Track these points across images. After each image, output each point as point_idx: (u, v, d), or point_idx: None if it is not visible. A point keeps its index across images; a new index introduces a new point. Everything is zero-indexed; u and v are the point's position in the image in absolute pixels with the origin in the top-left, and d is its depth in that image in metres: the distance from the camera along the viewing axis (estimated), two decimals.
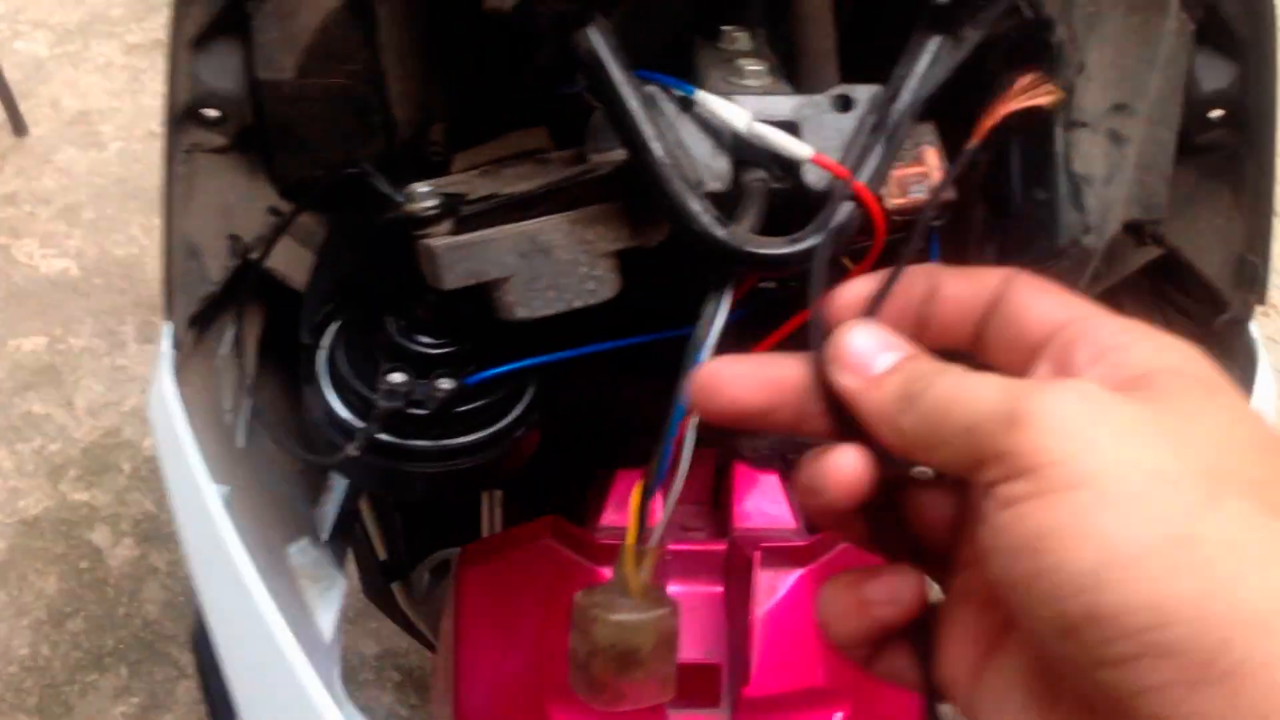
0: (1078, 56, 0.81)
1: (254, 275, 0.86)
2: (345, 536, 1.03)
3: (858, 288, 0.53)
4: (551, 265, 0.75)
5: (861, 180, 0.68)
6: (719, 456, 1.01)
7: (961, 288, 0.51)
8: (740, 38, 0.80)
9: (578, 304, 0.76)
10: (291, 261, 0.91)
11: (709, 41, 0.81)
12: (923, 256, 0.82)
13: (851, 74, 0.75)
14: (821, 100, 0.70)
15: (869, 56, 0.73)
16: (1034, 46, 0.78)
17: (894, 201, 0.75)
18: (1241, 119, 0.92)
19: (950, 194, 0.76)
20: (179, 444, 0.81)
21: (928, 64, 0.68)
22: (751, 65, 0.74)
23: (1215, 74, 0.90)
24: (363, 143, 0.86)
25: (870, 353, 0.48)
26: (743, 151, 0.70)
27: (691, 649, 0.93)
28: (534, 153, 0.85)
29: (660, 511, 0.71)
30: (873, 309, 0.52)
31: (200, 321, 0.87)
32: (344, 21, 0.80)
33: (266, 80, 0.82)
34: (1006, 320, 0.49)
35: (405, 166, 0.85)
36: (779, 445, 0.99)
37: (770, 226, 0.72)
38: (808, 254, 0.67)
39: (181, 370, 0.86)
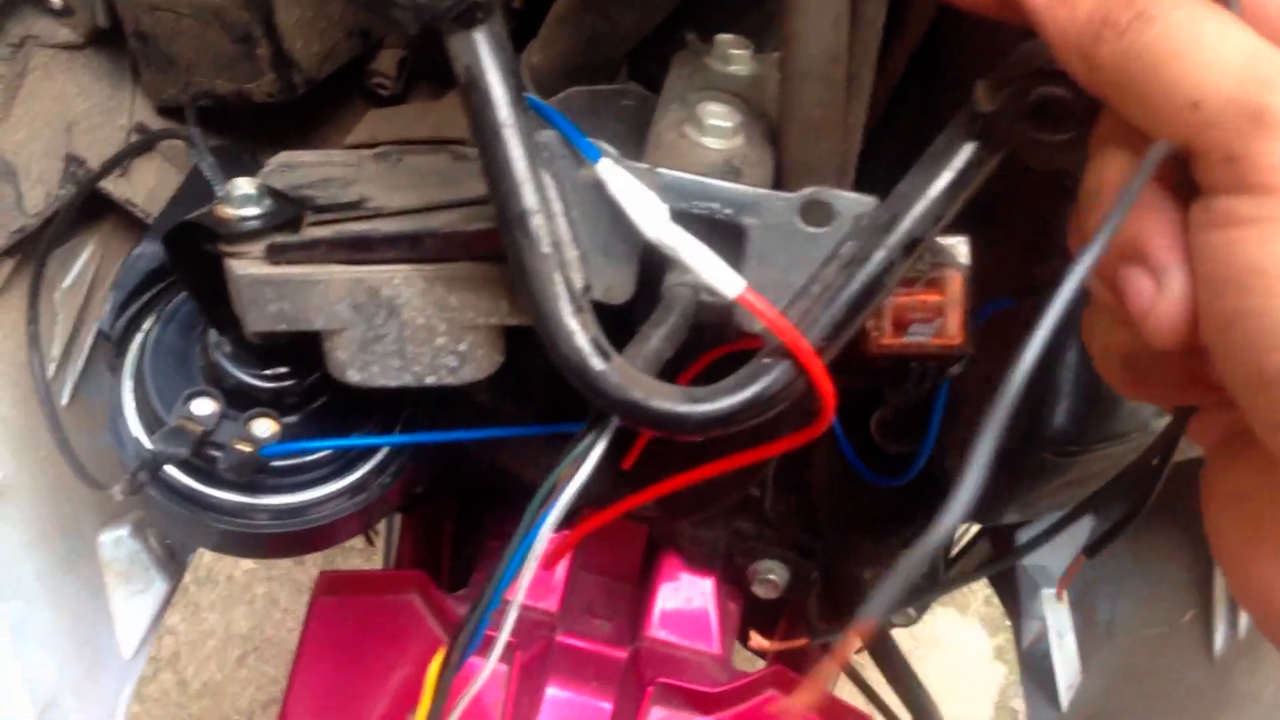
0: None
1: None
2: None
3: None
4: (397, 328, 0.54)
5: (812, 337, 0.46)
6: (653, 534, 0.81)
7: None
8: (736, 56, 0.57)
9: (430, 381, 0.56)
10: (163, 192, 0.72)
11: (694, 52, 0.58)
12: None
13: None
14: (789, 201, 0.48)
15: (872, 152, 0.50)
16: None
17: (885, 342, 0.53)
18: None
19: (966, 345, 0.53)
20: None
21: (949, 184, 0.45)
22: (718, 110, 0.52)
23: None
24: (248, 75, 0.65)
25: None
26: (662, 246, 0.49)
27: None
28: (454, 142, 0.64)
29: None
30: None
31: (16, 254, 0.68)
32: None
33: None
34: None
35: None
36: (724, 541, 0.79)
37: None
38: (711, 420, 0.46)
39: None
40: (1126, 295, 0.35)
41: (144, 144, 0.67)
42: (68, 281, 0.73)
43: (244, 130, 0.72)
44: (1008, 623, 2.28)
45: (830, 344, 0.46)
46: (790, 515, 0.78)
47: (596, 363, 0.46)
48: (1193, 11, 0.32)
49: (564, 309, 0.46)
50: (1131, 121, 0.34)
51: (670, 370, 0.49)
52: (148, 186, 0.71)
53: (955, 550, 0.89)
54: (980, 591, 2.36)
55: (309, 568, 2.20)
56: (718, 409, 0.46)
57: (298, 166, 0.60)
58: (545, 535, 0.49)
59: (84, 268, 0.74)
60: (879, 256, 0.46)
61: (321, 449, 0.61)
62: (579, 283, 0.47)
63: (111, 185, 0.70)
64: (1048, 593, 0.83)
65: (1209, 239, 0.32)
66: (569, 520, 0.50)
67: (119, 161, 0.67)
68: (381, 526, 1.00)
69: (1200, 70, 0.32)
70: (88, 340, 0.74)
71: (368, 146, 0.64)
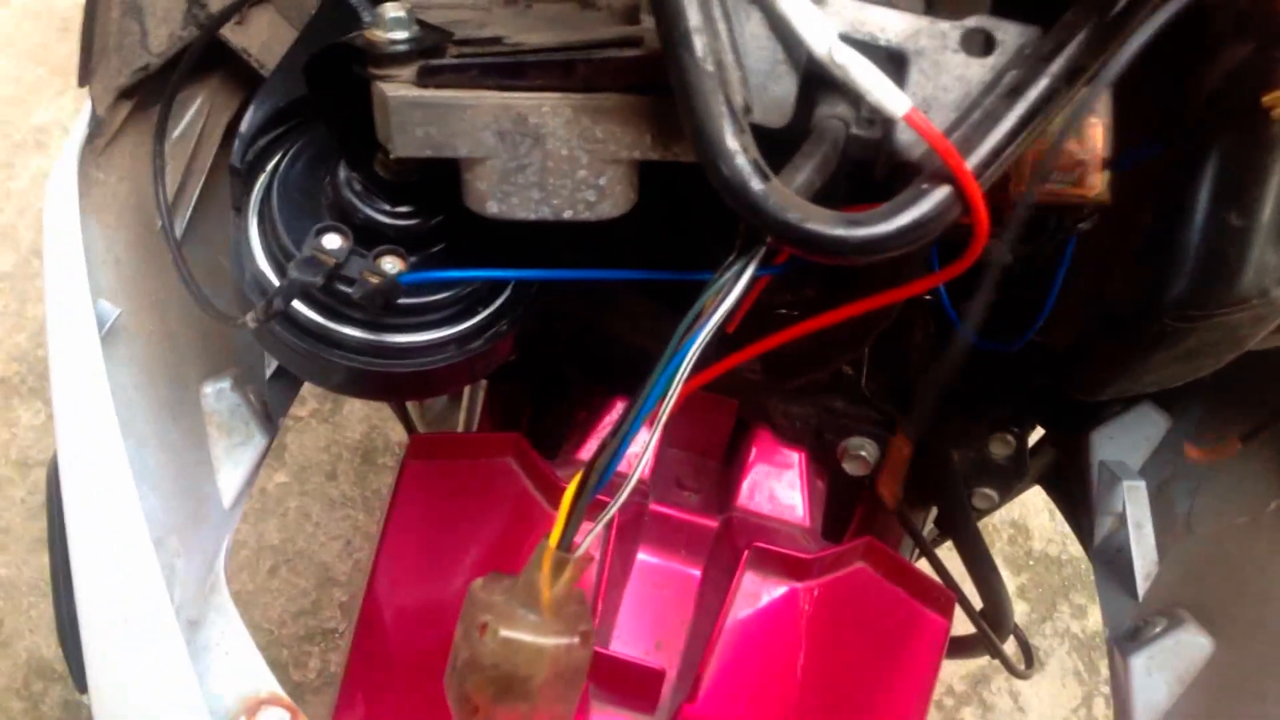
0: None
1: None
2: (298, 379, 0.86)
3: None
4: (541, 158, 0.55)
5: (971, 162, 0.46)
6: (743, 410, 0.82)
7: None
8: None
9: (567, 215, 0.56)
10: (277, 45, 0.72)
11: None
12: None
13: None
14: (951, 31, 0.48)
15: None
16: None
17: (1023, 189, 0.54)
18: None
19: (1104, 195, 0.54)
20: (63, 245, 0.65)
21: (1119, 11, 0.45)
22: None
23: None
24: None
25: None
26: (820, 76, 0.49)
27: (639, 639, 0.76)
28: None
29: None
30: None
31: (134, 96, 0.69)
32: None
33: None
34: None
35: None
36: (815, 417, 0.80)
37: (849, 185, 0.52)
38: (869, 244, 0.47)
39: (102, 155, 0.69)
40: None
41: None
42: (178, 132, 0.74)
43: None
44: (1031, 562, 2.30)
45: (988, 171, 0.47)
46: (883, 391, 0.79)
47: (756, 183, 0.47)
48: None
49: (726, 128, 0.47)
50: None
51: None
52: (261, 38, 0.71)
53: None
54: (1003, 531, 2.37)
55: (340, 483, 2.22)
56: (877, 232, 0.47)
57: (429, 8, 0.61)
58: (690, 359, 0.50)
59: (193, 119, 0.74)
60: (1041, 85, 0.46)
61: (460, 279, 0.62)
62: (741, 103, 0.48)
63: (229, 33, 0.70)
64: (1128, 484, 0.84)
65: None
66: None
67: (239, 7, 0.67)
68: (464, 403, 1.01)
69: None
70: (195, 191, 0.75)
71: None
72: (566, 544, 0.54)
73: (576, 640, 0.55)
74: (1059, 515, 2.31)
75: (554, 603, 0.55)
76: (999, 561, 2.42)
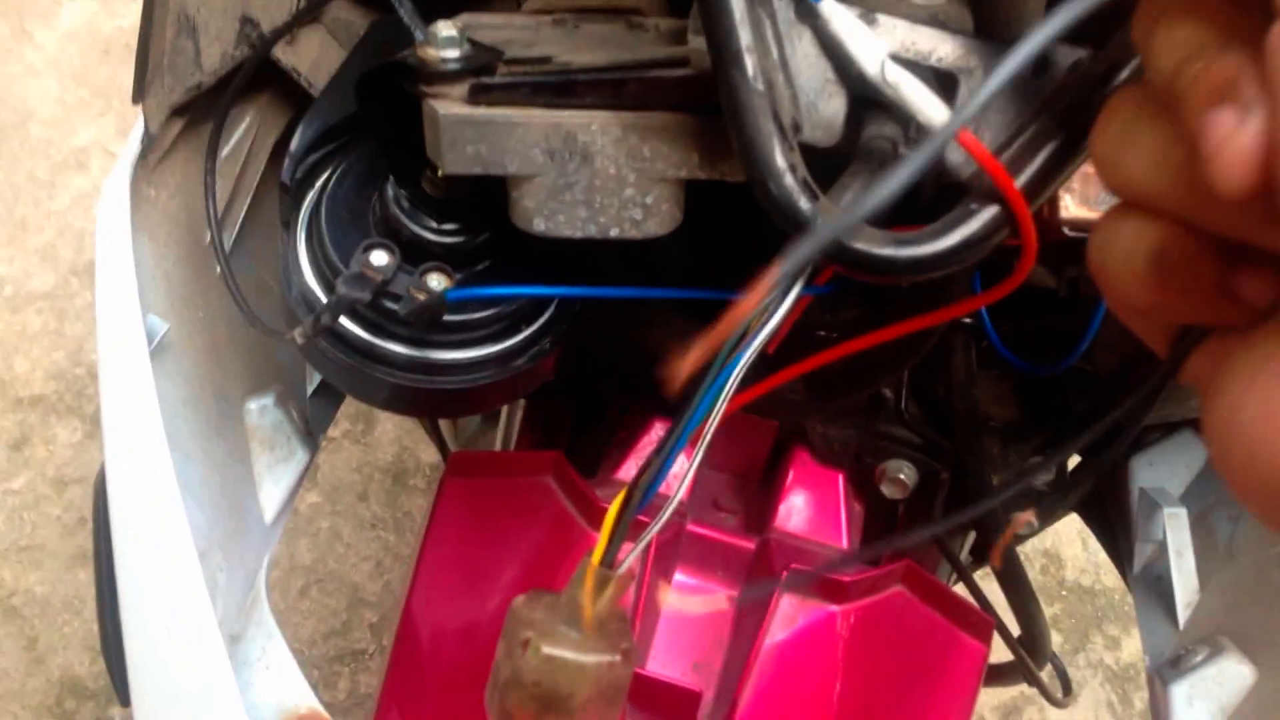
0: None
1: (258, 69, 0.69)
2: (339, 396, 0.87)
3: None
4: (588, 176, 0.55)
5: (1020, 182, 0.46)
6: (782, 431, 0.82)
7: None
8: None
9: (614, 233, 0.57)
10: (325, 65, 0.73)
11: None
12: None
13: None
14: (1001, 52, 0.48)
15: None
16: None
17: (1072, 212, 0.54)
18: None
19: None
20: (115, 261, 0.66)
21: None
22: None
23: None
24: None
25: None
26: (869, 94, 0.49)
27: (676, 660, 0.76)
28: (630, 12, 0.64)
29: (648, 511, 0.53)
30: None
31: (186, 114, 0.70)
32: None
33: None
34: None
35: None
36: (854, 440, 0.80)
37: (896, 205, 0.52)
38: (917, 264, 0.47)
39: (154, 171, 0.70)
40: (1204, 134, 0.32)
41: (312, 8, 0.67)
42: (227, 150, 0.75)
43: None
44: (1064, 592, 2.29)
45: (1039, 192, 0.47)
46: (922, 415, 0.79)
47: (805, 202, 0.47)
48: None
49: (776, 148, 0.47)
50: None
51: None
52: (311, 57, 0.72)
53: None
54: (1035, 561, 2.35)
55: (372, 504, 2.23)
56: (925, 251, 0.47)
57: (478, 28, 0.61)
58: (735, 378, 0.50)
59: (242, 137, 0.75)
60: (1092, 107, 0.47)
61: (505, 295, 0.62)
62: (790, 122, 0.48)
63: (280, 52, 0.71)
64: (1169, 511, 0.84)
65: None
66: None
67: (291, 27, 0.68)
68: (501, 422, 1.01)
69: None
70: (242, 209, 0.76)
71: (544, 13, 0.64)
72: (610, 560, 0.54)
73: (618, 658, 0.55)
74: (1092, 544, 2.29)
75: (596, 620, 0.55)
76: None
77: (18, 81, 2.58)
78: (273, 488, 0.77)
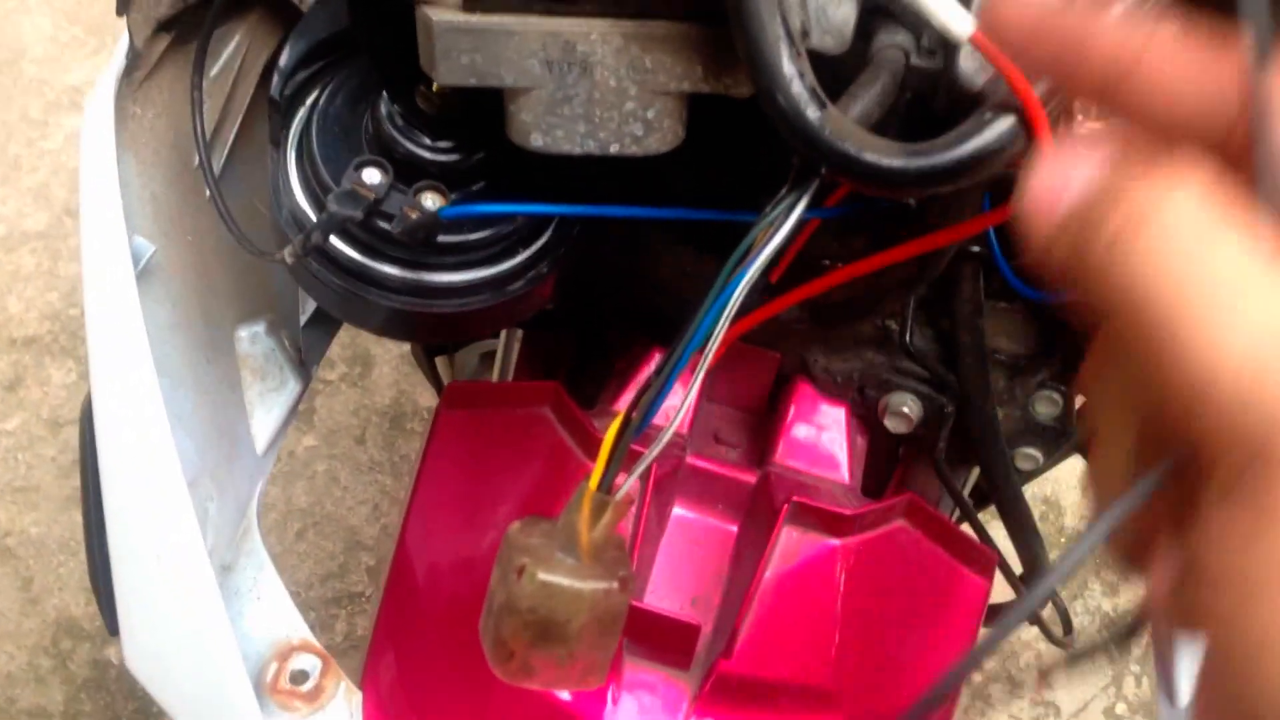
0: None
1: None
2: (333, 326, 0.85)
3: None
4: (588, 89, 0.53)
5: (1040, 90, 0.44)
6: (784, 365, 0.80)
7: None
8: None
9: (614, 149, 0.55)
10: None
11: None
12: None
13: None
14: None
15: None
16: None
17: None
18: None
19: None
20: (100, 180, 0.64)
21: None
22: None
23: None
24: None
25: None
26: (879, 3, 0.48)
27: (674, 594, 0.75)
28: None
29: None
30: None
31: (174, 29, 0.68)
32: None
33: None
34: None
35: None
36: (857, 372, 0.78)
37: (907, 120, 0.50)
38: (929, 175, 0.45)
39: (139, 89, 0.67)
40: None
41: None
42: (216, 69, 0.72)
43: None
44: (1063, 539, 2.28)
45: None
46: (927, 348, 0.77)
47: (813, 111, 0.45)
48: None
49: (783, 53, 0.45)
50: None
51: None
52: None
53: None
54: (1035, 508, 2.35)
55: (369, 448, 2.22)
56: (937, 161, 0.45)
57: None
58: (737, 299, 0.49)
59: (231, 56, 0.73)
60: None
61: (502, 213, 0.61)
62: (798, 26, 0.46)
63: None
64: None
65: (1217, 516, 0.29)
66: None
67: None
68: (498, 362, 1.00)
69: (1199, 354, 0.29)
70: (232, 130, 0.74)
71: None
72: (607, 485, 0.53)
73: (616, 585, 0.54)
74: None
75: (593, 546, 0.54)
76: None
77: (10, 19, 2.54)
78: (264, 417, 0.75)
